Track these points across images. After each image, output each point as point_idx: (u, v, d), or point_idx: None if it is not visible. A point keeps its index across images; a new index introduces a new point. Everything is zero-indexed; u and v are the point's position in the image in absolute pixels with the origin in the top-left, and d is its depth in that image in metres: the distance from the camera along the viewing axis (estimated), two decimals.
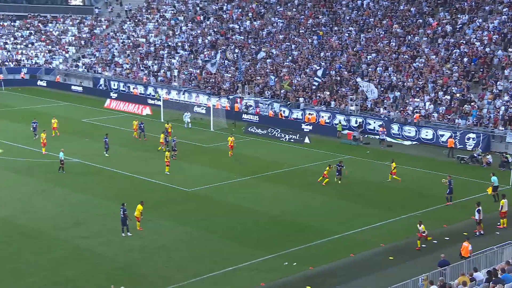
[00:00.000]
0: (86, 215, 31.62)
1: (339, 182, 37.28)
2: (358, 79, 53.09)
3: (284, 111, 55.92)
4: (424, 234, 27.72)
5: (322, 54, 61.74)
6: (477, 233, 29.09)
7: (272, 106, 56.81)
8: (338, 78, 57.55)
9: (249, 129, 52.60)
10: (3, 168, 40.20)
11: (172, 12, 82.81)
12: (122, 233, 28.88)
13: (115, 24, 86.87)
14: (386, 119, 50.86)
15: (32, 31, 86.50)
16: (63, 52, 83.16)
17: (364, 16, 64.75)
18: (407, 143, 48.73)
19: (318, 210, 32.94)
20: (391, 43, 58.98)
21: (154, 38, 78.49)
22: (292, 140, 49.24)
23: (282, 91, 58.56)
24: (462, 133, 46.31)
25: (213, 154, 44.57)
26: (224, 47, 67.87)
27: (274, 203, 34.02)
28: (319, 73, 56.36)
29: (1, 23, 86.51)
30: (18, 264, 25.95)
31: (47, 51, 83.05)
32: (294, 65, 62.03)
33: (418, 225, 27.92)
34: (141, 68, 73.18)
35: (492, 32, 54.26)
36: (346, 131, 51.08)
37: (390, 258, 26.70)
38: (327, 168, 37.24)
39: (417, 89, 52.72)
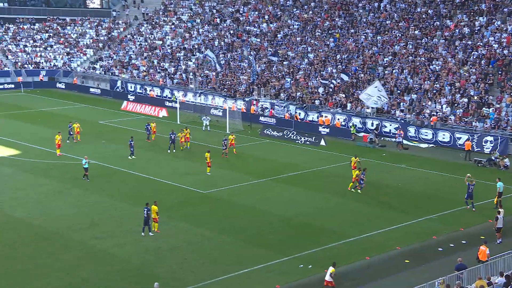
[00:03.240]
0: (102, 217, 31.69)
1: (359, 191, 36.11)
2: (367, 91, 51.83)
3: (300, 113, 55.75)
4: (330, 281, 23.10)
5: (338, 56, 61.45)
6: (498, 241, 28.35)
7: (288, 109, 56.65)
8: (355, 81, 57.21)
9: (264, 131, 52.49)
10: (20, 169, 40.49)
11: (189, 14, 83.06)
12: (142, 232, 28.93)
13: (132, 26, 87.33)
14: (403, 121, 50.43)
15: (51, 34, 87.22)
16: (81, 55, 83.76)
17: (380, 18, 64.36)
18: (424, 145, 48.26)
19: (333, 213, 32.71)
20: (408, 46, 58.52)
21: (171, 41, 78.76)
22: (307, 143, 49.05)
23: (298, 93, 58.38)
24: (479, 136, 45.75)
25: (229, 156, 44.49)
26: (243, 48, 67.61)
27: (289, 205, 33.85)
28: (344, 76, 56.17)
29: (21, 26, 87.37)
30: (34, 265, 26.05)
31: (65, 54, 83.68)
32: (310, 67, 61.82)
33: (330, 268, 23.31)
34: (158, 71, 73.43)
35: (510, 34, 53.60)
36: (362, 134, 50.73)
37: (406, 261, 26.38)
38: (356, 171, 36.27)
39: (434, 91, 52.22)
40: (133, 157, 42.65)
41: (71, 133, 48.29)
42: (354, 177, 36.14)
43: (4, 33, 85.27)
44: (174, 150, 45.20)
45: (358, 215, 32.34)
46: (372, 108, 52.38)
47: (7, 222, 30.85)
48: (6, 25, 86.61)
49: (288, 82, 60.50)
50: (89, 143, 47.99)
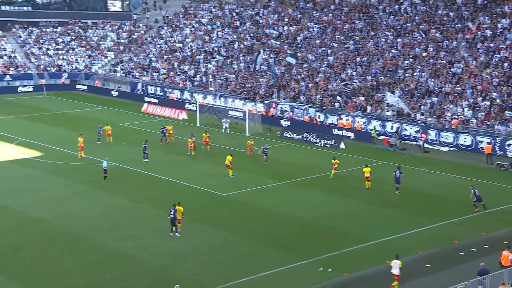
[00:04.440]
0: (123, 218, 31.93)
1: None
2: (388, 94, 51.92)
3: (319, 116, 55.62)
4: (398, 274, 23.73)
5: (358, 59, 61.24)
6: None
7: (307, 111, 56.58)
8: (375, 83, 56.96)
9: (284, 134, 52.47)
10: (43, 171, 40.96)
11: (209, 17, 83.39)
12: (170, 233, 29.23)
13: (152, 29, 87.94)
14: (423, 125, 50.09)
15: (73, 37, 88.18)
16: (102, 57, 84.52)
17: (401, 21, 64.00)
18: (445, 149, 47.87)
19: (353, 216, 32.58)
20: (429, 48, 58.11)
21: (191, 43, 79.13)
22: (327, 146, 48.91)
23: (318, 96, 58.30)
24: (502, 140, 45.23)
25: (248, 159, 44.57)
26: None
27: (309, 208, 33.79)
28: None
29: (44, 30, 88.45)
30: (57, 265, 26.33)
31: (87, 56, 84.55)
32: (330, 70, 61.67)
33: (396, 262, 24.02)
34: (178, 73, 73.83)
35: None
36: (382, 137, 50.49)
37: (427, 265, 26.18)
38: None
39: (455, 94, 51.77)
40: (146, 160, 42.84)
41: (100, 134, 48.69)
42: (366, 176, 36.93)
43: (27, 37, 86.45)
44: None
45: (378, 219, 32.16)
46: (393, 109, 52.19)
47: (30, 223, 31.23)
48: (30, 28, 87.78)
49: (303, 86, 60.38)
50: (110, 145, 48.39)
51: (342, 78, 59.08)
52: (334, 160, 39.70)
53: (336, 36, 66.32)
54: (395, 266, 23.99)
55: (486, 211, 32.78)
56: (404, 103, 51.11)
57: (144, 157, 43.00)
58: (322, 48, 65.49)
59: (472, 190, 32.94)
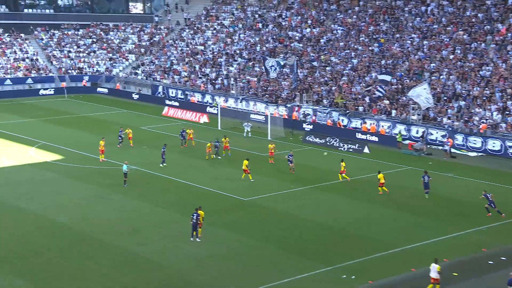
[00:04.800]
0: (142, 223, 32.03)
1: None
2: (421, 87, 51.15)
3: (343, 120, 55.31)
4: (438, 278, 23.97)
5: (383, 61, 60.78)
6: None
7: (330, 115, 56.29)
8: (400, 86, 56.45)
9: (307, 138, 52.27)
10: (63, 174, 41.33)
11: (231, 19, 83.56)
12: (191, 237, 29.19)
13: (174, 32, 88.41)
14: (450, 129, 49.47)
15: (94, 39, 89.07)
16: (123, 60, 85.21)
17: (427, 22, 63.39)
18: (472, 154, 47.20)
19: (377, 222, 32.25)
20: (456, 51, 57.44)
21: (213, 46, 79.36)
22: (351, 150, 48.62)
23: (338, 97, 57.95)
24: None
25: (270, 163, 44.41)
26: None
27: (331, 213, 33.56)
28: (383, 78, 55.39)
29: (65, 32, 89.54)
30: (76, 269, 26.49)
31: (108, 59, 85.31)
32: (353, 73, 61.31)
33: (435, 266, 24.32)
34: (199, 76, 74.06)
35: None
36: (407, 141, 49.99)
37: (454, 274, 25.76)
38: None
39: (484, 98, 51.06)
40: (164, 164, 42.87)
41: (121, 137, 49.12)
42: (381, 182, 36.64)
43: (49, 39, 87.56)
44: (218, 157, 45.23)
45: (403, 225, 31.79)
46: (418, 113, 51.60)
47: (50, 227, 31.49)
48: (52, 31, 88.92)
49: (324, 91, 60.01)
50: (131, 148, 48.68)
51: (366, 80, 58.65)
52: (342, 162, 39.56)
53: (361, 38, 65.95)
54: (433, 270, 23.88)
55: (503, 215, 32.43)
56: (426, 99, 49.78)
57: (162, 161, 43.07)
58: (346, 51, 65.16)
59: (484, 195, 32.75)
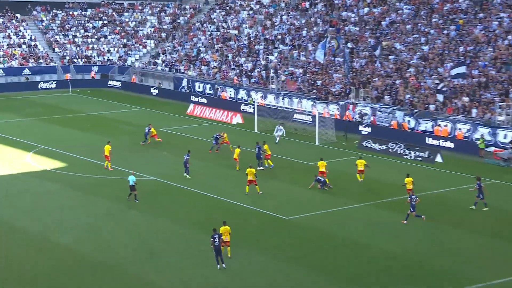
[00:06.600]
0: (162, 245, 32.18)
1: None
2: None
3: (409, 122, 54.90)
4: None
5: (461, 49, 60.11)
6: None
7: (393, 115, 55.93)
8: (483, 80, 55.68)
9: (364, 143, 52.01)
10: (66, 185, 41.87)
11: None
12: (217, 265, 29.00)
13: (202, 12, 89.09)
14: None
15: (105, 22, 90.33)
16: (140, 47, 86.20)
17: None
18: None
19: (453, 249, 31.81)
20: None
21: (248, 30, 79.67)
22: (419, 158, 48.30)
23: (407, 96, 57.51)
24: None
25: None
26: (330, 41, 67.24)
27: (395, 238, 33.24)
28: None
29: (70, 12, 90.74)
30: None
31: (121, 46, 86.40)
32: (424, 63, 60.77)
33: None
34: (232, 67, 74.42)
35: None
36: (491, 149, 49.35)
37: None
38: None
39: None
40: (187, 176, 42.95)
41: (147, 135, 50.78)
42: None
43: (51, 21, 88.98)
44: (261, 167, 45.18)
45: (489, 255, 31.26)
46: (507, 112, 50.85)
47: (50, 249, 31.84)
48: (54, 11, 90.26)
49: (385, 87, 59.61)
50: (148, 155, 49.05)
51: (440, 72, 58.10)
52: (360, 159, 41.42)
53: (433, 20, 65.37)
54: None
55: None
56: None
57: (185, 171, 43.26)
58: (414, 35, 64.67)
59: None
